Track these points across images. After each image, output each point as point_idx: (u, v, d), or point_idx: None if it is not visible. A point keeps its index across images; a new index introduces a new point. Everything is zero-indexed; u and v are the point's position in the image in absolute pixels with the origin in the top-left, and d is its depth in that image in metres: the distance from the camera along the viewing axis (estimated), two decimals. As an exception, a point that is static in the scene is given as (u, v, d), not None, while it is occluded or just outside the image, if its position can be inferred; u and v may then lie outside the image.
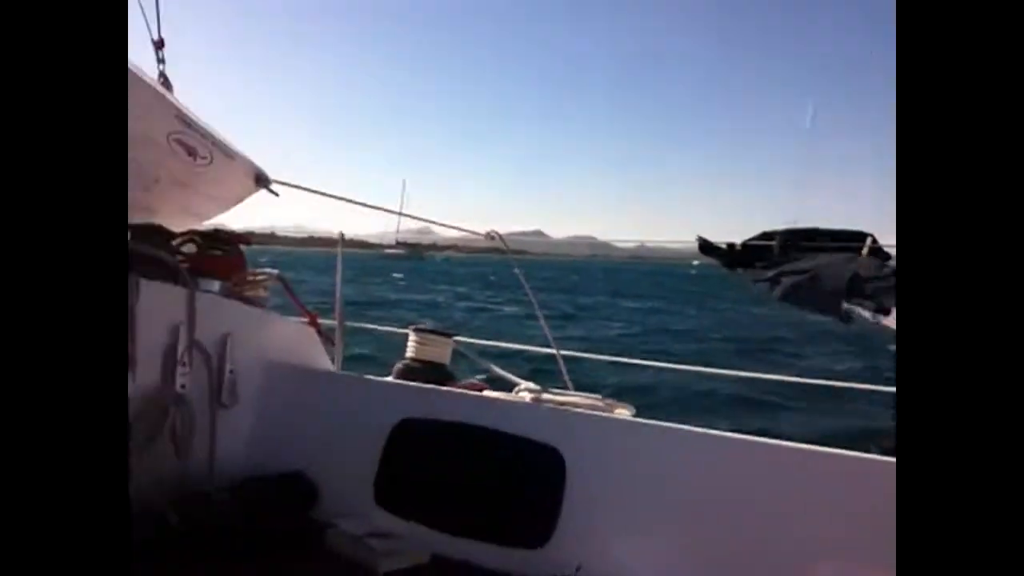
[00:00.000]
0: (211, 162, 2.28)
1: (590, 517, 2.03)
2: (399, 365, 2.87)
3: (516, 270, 3.13)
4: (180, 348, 2.28)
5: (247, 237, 2.67)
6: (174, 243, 2.47)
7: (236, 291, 2.58)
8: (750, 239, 2.14)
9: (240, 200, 2.63)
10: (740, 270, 2.21)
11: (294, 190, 2.64)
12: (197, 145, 2.17)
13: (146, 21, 2.33)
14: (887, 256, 1.95)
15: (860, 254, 1.97)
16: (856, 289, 1.83)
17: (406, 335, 2.97)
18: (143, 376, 2.16)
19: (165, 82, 2.30)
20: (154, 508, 2.04)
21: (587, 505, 2.04)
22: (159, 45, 2.37)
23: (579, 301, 33.67)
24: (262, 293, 2.74)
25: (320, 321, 2.95)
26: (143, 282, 2.15)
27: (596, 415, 2.23)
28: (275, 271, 2.78)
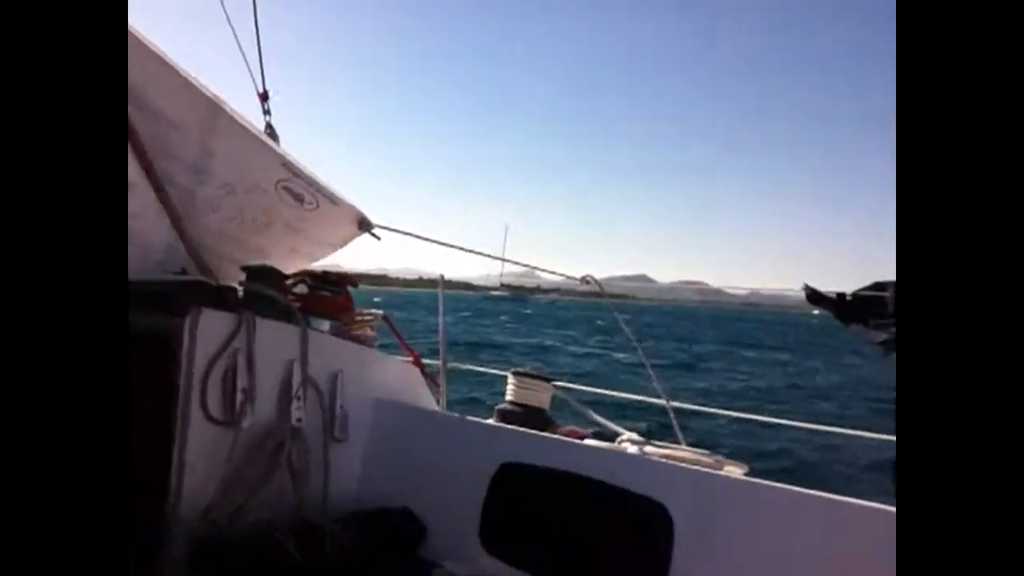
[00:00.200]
0: (317, 207, 2.38)
1: None
2: (499, 407, 2.85)
3: (617, 315, 3.05)
4: (295, 384, 2.34)
5: (354, 278, 2.75)
6: (287, 283, 2.58)
7: (345, 330, 2.66)
8: (861, 289, 1.96)
9: (345, 243, 2.73)
10: (855, 325, 2.02)
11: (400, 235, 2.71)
12: (304, 192, 2.27)
13: (251, 74, 2.47)
14: None
15: None
16: None
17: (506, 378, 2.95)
18: (261, 410, 2.23)
19: (272, 132, 2.43)
20: (274, 538, 2.08)
21: (696, 565, 1.92)
22: (264, 97, 2.51)
23: (695, 350, 32.69)
24: (369, 332, 2.80)
25: (424, 361, 2.98)
26: (259, 320, 2.23)
27: (705, 471, 2.11)
28: (380, 312, 2.85)
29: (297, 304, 2.50)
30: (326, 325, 2.57)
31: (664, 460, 2.20)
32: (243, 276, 2.44)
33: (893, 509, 1.76)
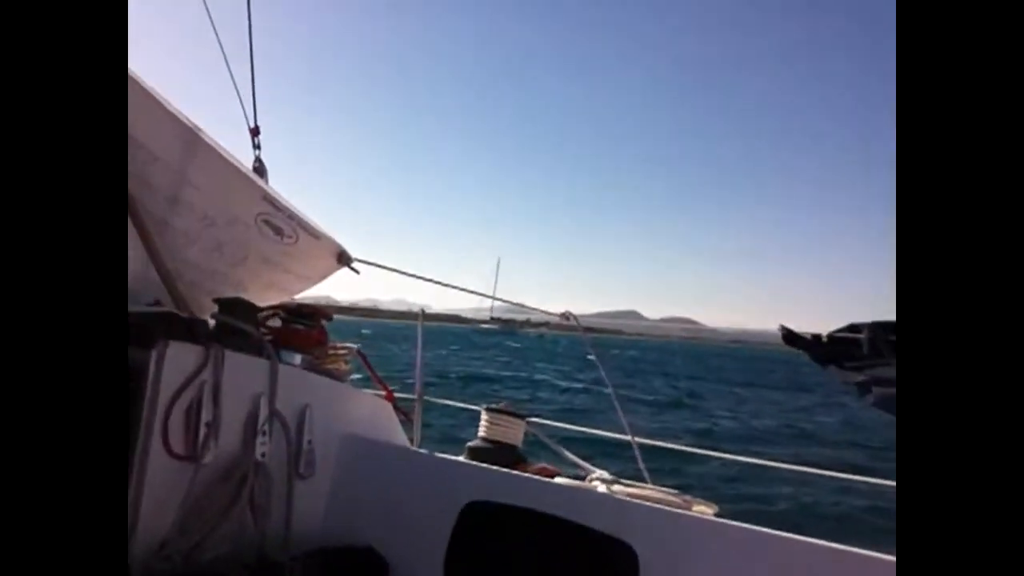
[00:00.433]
0: (297, 241, 2.39)
1: None
2: (470, 444, 2.84)
3: (590, 352, 3.06)
4: (261, 418, 2.32)
5: (328, 312, 2.76)
6: (260, 316, 2.58)
7: (318, 364, 2.65)
8: (836, 331, 1.96)
9: (324, 277, 2.74)
10: (831, 366, 2.02)
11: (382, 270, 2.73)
12: (283, 225, 2.29)
13: (243, 108, 2.52)
14: None
15: None
16: None
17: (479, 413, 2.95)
18: (224, 444, 2.21)
19: (260, 166, 2.46)
20: (230, 575, 2.04)
21: None
22: (255, 132, 2.55)
23: (683, 385, 32.55)
24: (343, 367, 2.80)
25: (399, 395, 2.97)
26: (228, 353, 2.22)
27: (672, 511, 2.10)
28: (355, 346, 2.84)
29: (269, 337, 2.50)
30: (298, 359, 2.56)
31: (631, 499, 2.18)
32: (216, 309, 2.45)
33: (860, 551, 1.75)
